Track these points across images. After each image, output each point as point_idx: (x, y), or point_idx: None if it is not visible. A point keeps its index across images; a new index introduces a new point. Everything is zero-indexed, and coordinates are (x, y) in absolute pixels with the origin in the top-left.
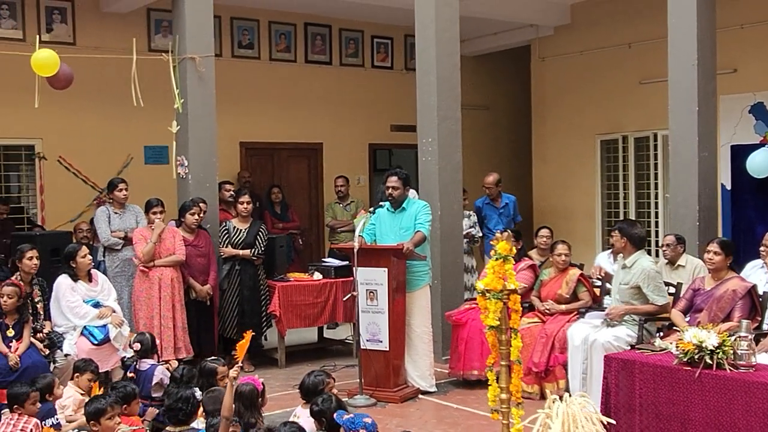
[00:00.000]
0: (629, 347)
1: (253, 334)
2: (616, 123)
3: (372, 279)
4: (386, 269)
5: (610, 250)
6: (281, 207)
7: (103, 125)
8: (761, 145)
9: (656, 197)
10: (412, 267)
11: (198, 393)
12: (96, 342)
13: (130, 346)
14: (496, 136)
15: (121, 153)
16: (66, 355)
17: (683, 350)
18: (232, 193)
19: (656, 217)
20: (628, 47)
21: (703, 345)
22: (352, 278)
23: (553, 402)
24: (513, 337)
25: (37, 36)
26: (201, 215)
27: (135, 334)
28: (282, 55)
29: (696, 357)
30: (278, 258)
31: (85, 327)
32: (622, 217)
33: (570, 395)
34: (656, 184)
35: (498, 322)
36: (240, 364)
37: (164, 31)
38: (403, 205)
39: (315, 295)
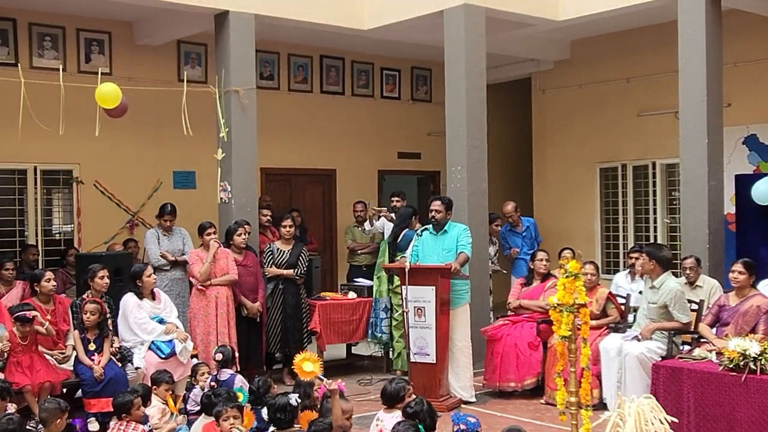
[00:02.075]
0: (660, 358)
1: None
2: (616, 152)
3: (420, 296)
4: (434, 287)
5: (627, 271)
6: (300, 230)
7: (135, 151)
8: (763, 174)
9: (655, 222)
10: (455, 285)
11: (294, 399)
12: (163, 356)
13: (213, 358)
14: (498, 163)
15: (152, 178)
16: (137, 368)
17: (729, 357)
18: (269, 217)
19: (655, 240)
20: (627, 81)
21: (747, 353)
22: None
23: (627, 402)
24: (583, 346)
25: (99, 70)
26: (247, 236)
27: (216, 347)
28: (299, 86)
29: (741, 363)
30: (314, 278)
31: (152, 342)
32: (620, 242)
33: (606, 403)
34: (654, 210)
35: (570, 333)
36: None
37: (192, 63)
38: (445, 228)
39: (351, 312)
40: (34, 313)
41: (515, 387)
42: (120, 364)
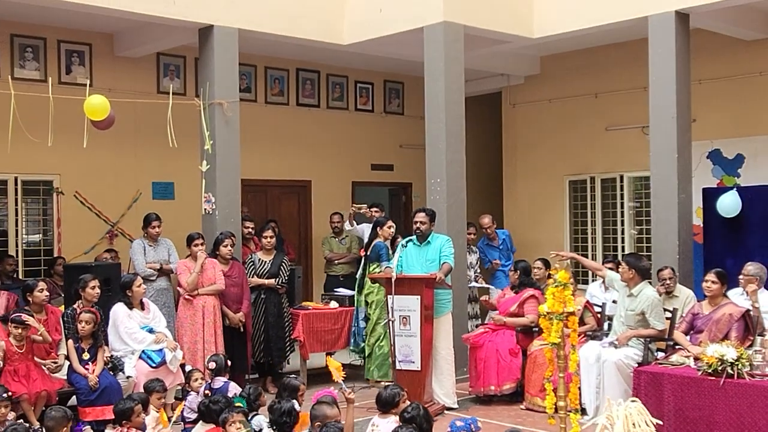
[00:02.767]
0: (637, 364)
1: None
2: (584, 165)
3: (406, 306)
4: (419, 297)
5: (601, 281)
6: (277, 241)
7: (114, 162)
8: (729, 188)
9: (622, 233)
10: (438, 295)
11: (297, 404)
12: (154, 365)
13: (207, 367)
14: (469, 176)
15: (131, 189)
16: (128, 377)
17: (707, 363)
18: (251, 229)
19: (622, 250)
20: (595, 97)
21: (725, 358)
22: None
23: (615, 405)
24: (572, 352)
25: (87, 82)
26: (233, 247)
27: (204, 355)
28: (276, 99)
29: (719, 368)
30: (296, 288)
31: (143, 351)
32: (589, 252)
33: (585, 408)
34: (622, 221)
35: (559, 340)
36: (340, 382)
37: (171, 75)
38: (428, 239)
39: (333, 321)
40: (27, 318)
41: (495, 391)
42: (111, 373)
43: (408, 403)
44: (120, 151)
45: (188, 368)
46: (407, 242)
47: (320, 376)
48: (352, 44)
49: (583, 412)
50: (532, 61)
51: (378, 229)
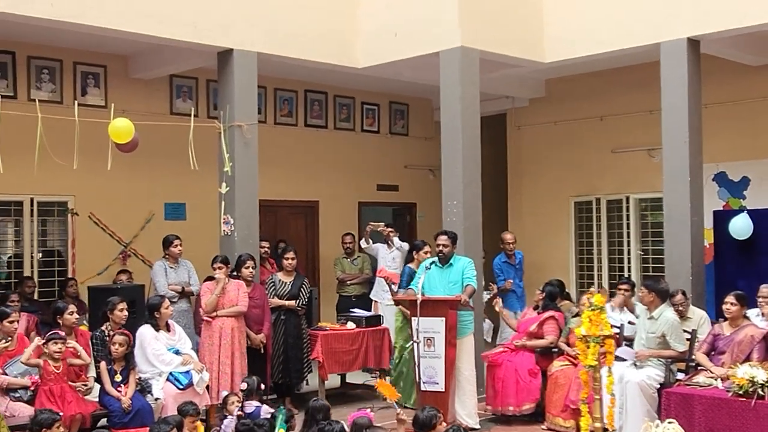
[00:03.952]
0: (659, 385)
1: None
2: (590, 186)
3: (430, 327)
4: (443, 318)
5: (610, 302)
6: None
7: (128, 183)
8: (739, 211)
9: (628, 254)
10: (461, 316)
11: (345, 425)
12: (181, 387)
13: (242, 390)
14: None
15: (144, 210)
16: (156, 399)
17: (738, 384)
18: (266, 249)
19: (629, 271)
20: (600, 120)
21: (755, 379)
22: (380, 326)
23: (653, 426)
24: (608, 375)
25: (112, 105)
26: (254, 269)
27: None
28: (285, 119)
29: (750, 389)
30: (313, 308)
31: (170, 373)
32: (595, 273)
33: (607, 429)
34: (628, 242)
35: (596, 362)
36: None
37: (184, 96)
38: (451, 261)
39: (350, 342)
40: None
41: (514, 411)
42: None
43: (444, 425)
44: (133, 172)
45: (223, 393)
46: (431, 264)
47: (337, 397)
48: (366, 68)
49: None
50: (537, 83)
51: (414, 253)
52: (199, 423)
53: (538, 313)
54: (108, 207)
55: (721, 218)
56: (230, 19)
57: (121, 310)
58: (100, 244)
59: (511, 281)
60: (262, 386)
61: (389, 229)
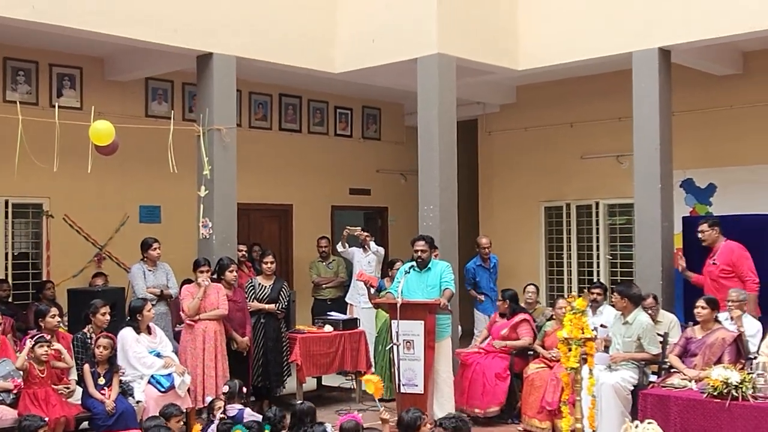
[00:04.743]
0: (633, 387)
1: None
2: (559, 192)
3: (410, 330)
4: (422, 322)
5: (589, 306)
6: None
7: (102, 186)
8: (708, 217)
9: (597, 258)
10: (439, 320)
11: (330, 428)
12: (163, 389)
13: (224, 393)
14: None
15: (119, 212)
16: (138, 402)
17: (713, 386)
18: (244, 253)
19: (597, 275)
20: (570, 126)
21: (729, 381)
22: (357, 329)
23: (633, 426)
24: (589, 376)
25: (92, 107)
26: (237, 273)
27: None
28: (259, 123)
29: (724, 391)
30: (291, 312)
31: (152, 376)
32: (564, 277)
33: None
34: (597, 247)
35: (578, 365)
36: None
37: (159, 99)
38: (429, 266)
39: (328, 345)
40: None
41: (479, 413)
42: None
43: (429, 426)
44: (108, 175)
45: (209, 398)
46: (410, 269)
47: (313, 399)
48: (343, 73)
49: None
50: (509, 90)
51: (389, 270)
52: (197, 425)
53: (507, 319)
54: (83, 209)
55: (690, 224)
56: (211, 23)
57: (104, 314)
58: (74, 247)
59: (482, 298)
60: (245, 390)
61: (366, 234)
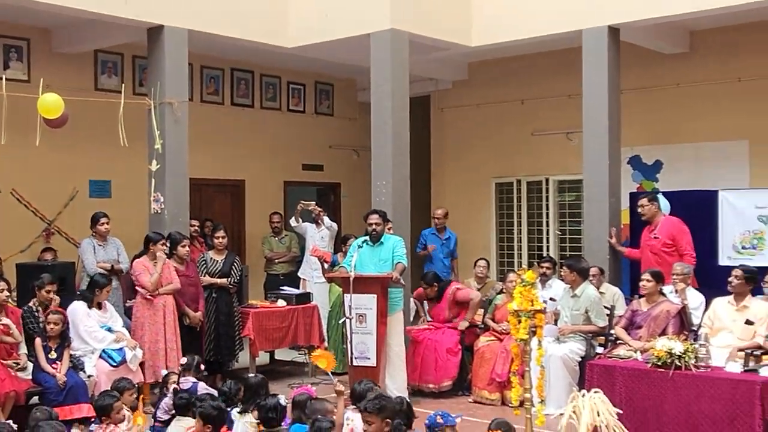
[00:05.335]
0: (581, 358)
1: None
2: (510, 168)
3: (362, 304)
4: (375, 295)
5: (538, 279)
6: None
7: (51, 160)
8: (655, 192)
9: (547, 233)
10: (391, 293)
11: (283, 399)
12: (114, 364)
13: (181, 365)
14: None
15: (68, 186)
16: (89, 376)
17: (656, 356)
18: (196, 228)
19: (547, 250)
20: (521, 103)
21: (673, 351)
22: (310, 304)
23: (580, 396)
24: (539, 347)
25: (41, 80)
26: (189, 247)
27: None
28: (211, 98)
29: (668, 361)
30: (244, 287)
31: (103, 350)
32: (515, 252)
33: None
34: (547, 222)
35: (527, 336)
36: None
37: (109, 72)
38: (381, 240)
39: (281, 320)
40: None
41: (433, 388)
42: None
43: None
44: (56, 149)
45: (164, 372)
46: (362, 243)
47: (266, 373)
48: (296, 47)
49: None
50: (460, 66)
51: (342, 245)
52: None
53: (439, 301)
54: (31, 184)
55: (636, 199)
56: None
57: (48, 291)
58: (22, 222)
59: (433, 246)
60: (202, 366)
61: (319, 209)
